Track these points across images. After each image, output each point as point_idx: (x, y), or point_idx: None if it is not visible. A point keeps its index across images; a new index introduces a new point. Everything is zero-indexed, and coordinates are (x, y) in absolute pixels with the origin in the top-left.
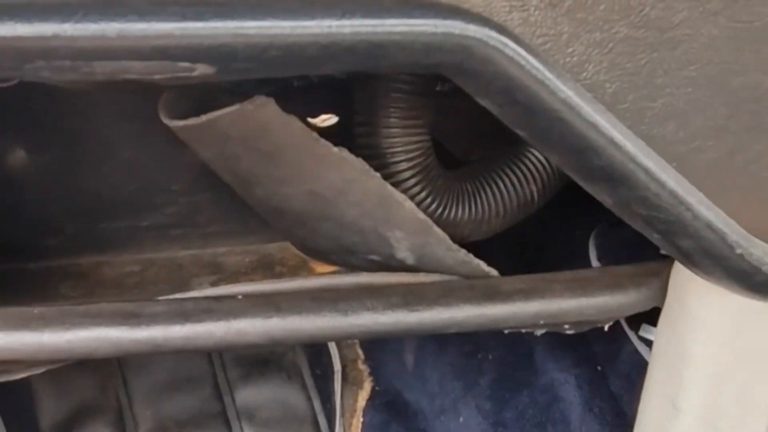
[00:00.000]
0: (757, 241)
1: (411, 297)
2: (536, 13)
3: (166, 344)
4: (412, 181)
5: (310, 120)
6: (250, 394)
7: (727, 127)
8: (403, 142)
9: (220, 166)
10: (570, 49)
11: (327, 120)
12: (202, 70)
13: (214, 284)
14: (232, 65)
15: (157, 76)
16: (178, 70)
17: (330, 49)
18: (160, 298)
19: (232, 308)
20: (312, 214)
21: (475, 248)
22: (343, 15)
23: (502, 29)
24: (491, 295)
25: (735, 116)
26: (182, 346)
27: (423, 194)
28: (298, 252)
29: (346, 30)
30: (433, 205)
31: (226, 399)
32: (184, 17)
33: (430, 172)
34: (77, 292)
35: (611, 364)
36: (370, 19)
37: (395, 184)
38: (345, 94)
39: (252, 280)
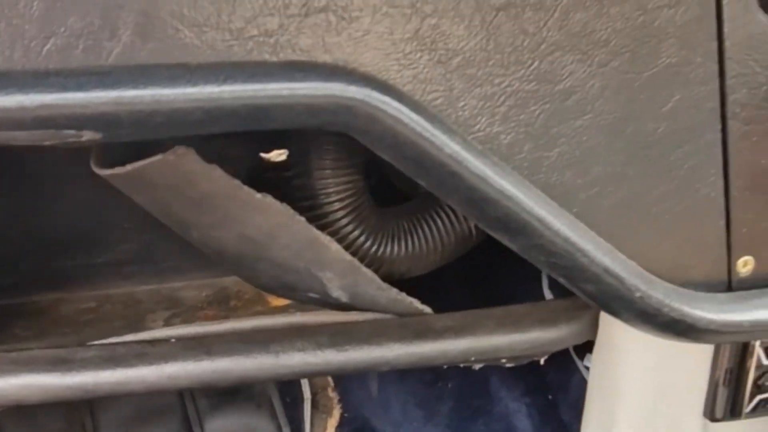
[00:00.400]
0: (659, 283)
1: (340, 337)
2: (426, 70)
3: (96, 390)
4: (345, 221)
5: (263, 155)
6: (220, 424)
7: (625, 173)
8: (336, 182)
9: (154, 210)
10: (461, 104)
11: (280, 155)
12: (89, 136)
13: (168, 320)
14: (119, 131)
15: (47, 143)
16: (65, 137)
17: (214, 113)
18: (93, 343)
19: (163, 352)
20: (247, 256)
21: (433, 279)
22: (225, 80)
23: (387, 88)
24: (422, 333)
25: (632, 162)
26: (113, 391)
27: (356, 233)
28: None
29: (228, 95)
30: (368, 243)
31: (196, 430)
32: (65, 88)
33: (363, 212)
34: (30, 331)
35: (562, 392)
36: (252, 84)
37: (329, 224)
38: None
39: (207, 315)
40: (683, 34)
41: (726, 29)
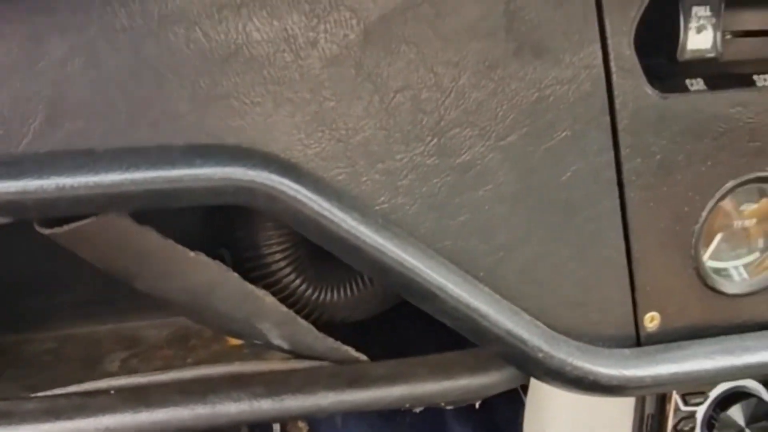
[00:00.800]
0: (564, 342)
1: (275, 386)
2: (328, 149)
3: None
4: (287, 270)
5: None
6: None
7: (529, 238)
8: (278, 234)
9: (97, 264)
10: (364, 179)
11: None
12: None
13: (125, 360)
14: (27, 215)
15: None
16: None
17: (116, 198)
18: (35, 394)
19: (103, 404)
20: (192, 306)
21: (383, 322)
22: (128, 168)
23: (288, 169)
24: (356, 381)
25: (536, 228)
26: None
27: (298, 281)
28: None
29: (130, 182)
30: (309, 291)
31: None
32: None
33: (304, 261)
34: None
35: (512, 427)
36: (154, 171)
37: (272, 273)
38: None
39: (166, 355)
40: (576, 110)
41: (617, 104)
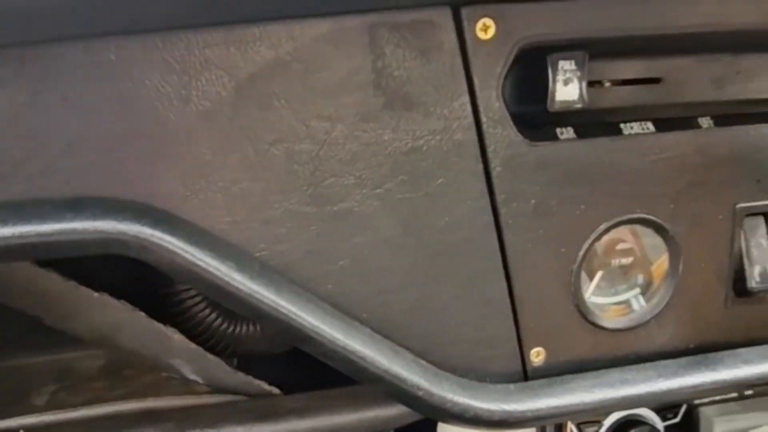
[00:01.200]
0: (446, 379)
1: (186, 422)
2: (206, 200)
3: None
4: (202, 305)
5: None
6: None
7: (412, 281)
8: None
9: (7, 302)
10: (243, 227)
11: None
12: None
13: (54, 393)
14: None
15: None
16: None
17: None
18: None
19: None
20: (102, 344)
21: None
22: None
23: (162, 220)
24: (266, 415)
25: (418, 271)
26: None
27: (213, 315)
28: None
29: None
30: (224, 325)
31: None
32: None
33: None
34: None
35: None
36: (27, 225)
37: (187, 309)
38: None
39: (97, 386)
40: (450, 158)
41: (489, 152)
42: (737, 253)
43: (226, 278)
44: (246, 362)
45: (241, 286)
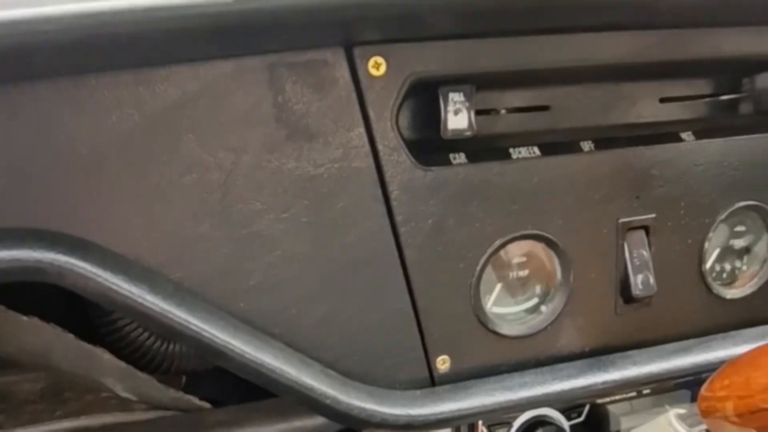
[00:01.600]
0: (352, 388)
1: None
2: (122, 226)
3: None
4: (133, 325)
5: None
6: None
7: (320, 295)
8: None
9: None
10: (157, 251)
11: None
12: None
13: None
14: None
15: None
16: None
17: None
18: None
19: None
20: (38, 365)
21: None
22: None
23: (77, 247)
24: (195, 428)
25: (326, 287)
26: None
27: (145, 334)
28: None
29: None
30: (157, 343)
31: None
32: None
33: None
34: None
35: None
36: None
37: (119, 329)
38: None
39: (36, 409)
40: (351, 184)
41: (386, 177)
42: (622, 263)
43: (139, 300)
44: (196, 378)
45: (153, 307)
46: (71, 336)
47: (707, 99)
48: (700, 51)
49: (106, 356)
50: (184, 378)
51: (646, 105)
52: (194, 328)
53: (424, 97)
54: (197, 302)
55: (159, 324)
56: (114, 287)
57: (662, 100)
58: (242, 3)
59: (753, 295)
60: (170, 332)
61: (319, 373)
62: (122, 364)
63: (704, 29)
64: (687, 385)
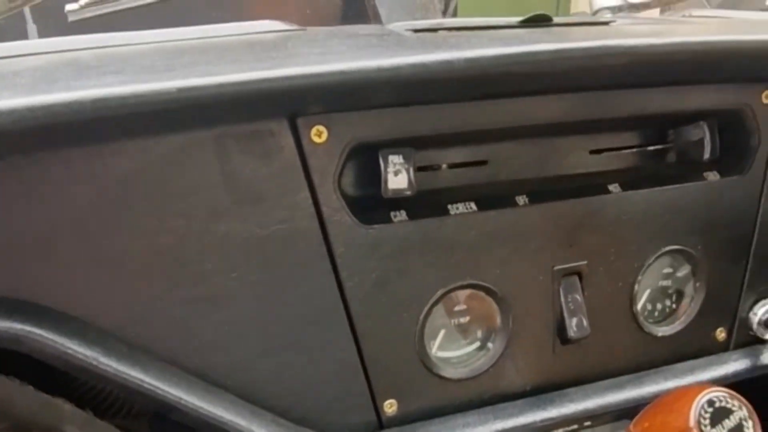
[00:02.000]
0: None
1: None
2: (74, 291)
3: None
4: None
5: None
6: None
7: (271, 349)
8: None
9: None
10: (113, 312)
11: None
12: None
13: None
14: None
15: None
16: None
17: None
18: None
19: None
20: (2, 417)
21: None
22: None
23: (32, 314)
24: None
25: (277, 341)
26: None
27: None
28: None
29: None
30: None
31: None
32: None
33: None
34: None
35: None
36: None
37: (73, 380)
38: None
39: None
40: (298, 243)
41: (331, 236)
42: (558, 307)
43: (94, 363)
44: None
45: (108, 369)
46: (31, 388)
47: (635, 149)
48: (625, 110)
49: (67, 406)
50: (146, 419)
51: (577, 157)
52: (148, 386)
53: (367, 158)
54: (151, 361)
55: (114, 384)
56: (70, 351)
57: (592, 152)
58: (185, 92)
59: (682, 331)
60: (126, 391)
61: (270, 423)
62: (82, 413)
63: (629, 90)
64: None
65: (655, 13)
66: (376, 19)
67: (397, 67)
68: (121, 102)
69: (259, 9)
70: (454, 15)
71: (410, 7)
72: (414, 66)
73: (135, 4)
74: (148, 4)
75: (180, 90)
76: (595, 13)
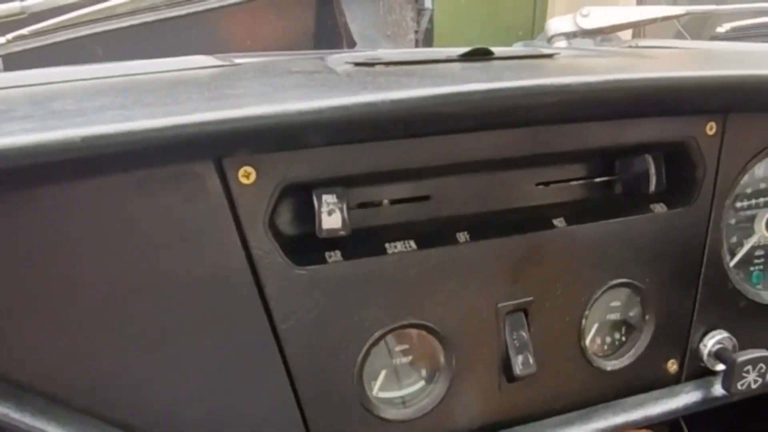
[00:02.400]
0: None
1: None
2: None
3: None
4: None
5: None
6: None
7: (205, 395)
8: None
9: None
10: (30, 364)
11: None
12: None
13: None
14: None
15: None
16: None
17: None
18: None
19: None
20: None
21: None
22: None
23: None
24: None
25: (210, 385)
26: None
27: None
28: None
29: None
30: None
31: None
32: None
33: None
34: None
35: None
36: None
37: None
38: None
39: None
40: (229, 286)
41: (262, 278)
42: (503, 345)
43: (5, 419)
44: None
45: (20, 425)
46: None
47: (581, 181)
48: (567, 144)
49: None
50: None
51: (523, 190)
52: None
53: (302, 197)
54: (71, 414)
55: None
56: None
57: (538, 184)
58: (89, 141)
59: (632, 364)
60: None
61: None
62: None
63: (570, 125)
64: None
65: (619, 37)
66: (349, 42)
67: (318, 110)
68: (20, 153)
69: (235, 34)
70: (430, 28)
71: (381, 24)
72: (335, 109)
73: (65, 38)
74: (80, 37)
75: (84, 139)
76: (551, 38)
